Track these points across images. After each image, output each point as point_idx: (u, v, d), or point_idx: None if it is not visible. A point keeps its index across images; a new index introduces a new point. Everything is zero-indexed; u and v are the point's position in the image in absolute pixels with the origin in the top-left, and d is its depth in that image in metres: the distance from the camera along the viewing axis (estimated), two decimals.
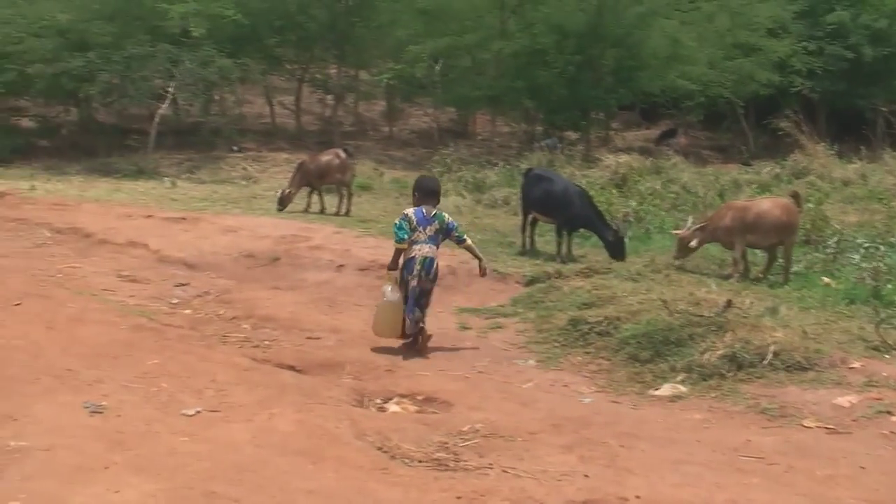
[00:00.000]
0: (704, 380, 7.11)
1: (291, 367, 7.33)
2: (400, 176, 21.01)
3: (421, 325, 8.20)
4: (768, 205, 11.10)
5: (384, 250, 11.42)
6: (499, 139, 28.10)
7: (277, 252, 11.76)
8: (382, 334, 8.26)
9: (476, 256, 8.79)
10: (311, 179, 15.65)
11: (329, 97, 29.91)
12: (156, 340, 7.42)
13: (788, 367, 7.01)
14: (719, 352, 7.29)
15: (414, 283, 8.15)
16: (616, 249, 11.55)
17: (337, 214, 15.12)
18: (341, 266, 11.14)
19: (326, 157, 15.67)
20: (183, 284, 10.51)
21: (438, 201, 8.58)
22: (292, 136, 27.61)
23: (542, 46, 25.09)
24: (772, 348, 7.15)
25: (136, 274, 10.97)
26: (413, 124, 31.67)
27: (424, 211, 8.27)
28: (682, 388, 7.08)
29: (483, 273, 8.84)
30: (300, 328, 8.74)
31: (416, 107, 31.77)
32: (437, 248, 8.36)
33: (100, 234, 12.89)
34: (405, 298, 8.17)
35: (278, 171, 21.72)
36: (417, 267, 8.15)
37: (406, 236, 8.16)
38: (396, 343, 8.26)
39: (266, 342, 8.23)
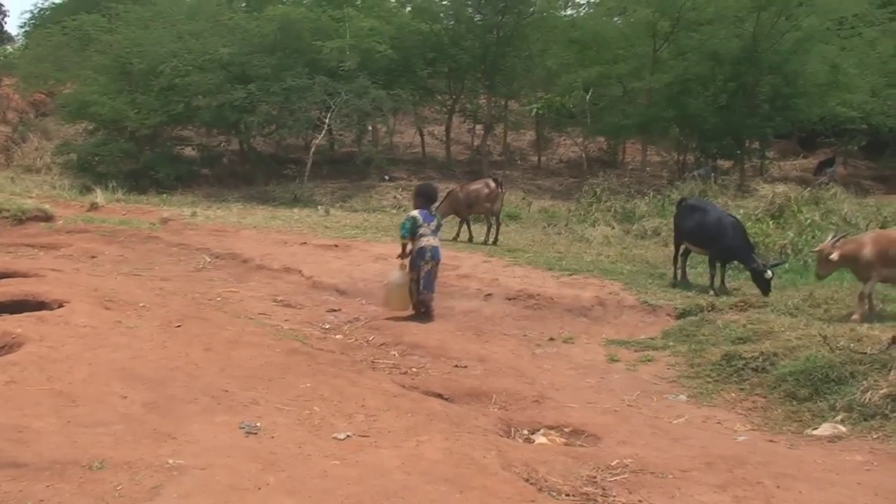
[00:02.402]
0: (866, 420, 6.76)
1: (439, 395, 7.35)
2: (548, 206, 21.00)
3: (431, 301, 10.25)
4: None
5: (532, 280, 11.45)
6: (649, 169, 27.69)
7: None
8: (394, 308, 10.30)
9: None
10: (460, 208, 15.79)
11: (478, 127, 30.17)
12: (308, 364, 7.58)
13: None
14: (882, 391, 6.91)
15: (428, 267, 10.16)
16: (760, 283, 11.14)
17: (485, 243, 15.20)
18: (489, 295, 11.18)
19: (476, 186, 15.81)
20: (335, 310, 10.76)
21: (435, 203, 10.85)
22: (441, 165, 28.00)
23: (695, 75, 24.65)
24: None
25: (290, 299, 11.29)
26: (562, 154, 31.60)
27: (427, 211, 10.34)
28: (843, 428, 6.74)
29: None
30: (447, 356, 8.77)
31: (564, 136, 31.66)
32: (437, 238, 10.43)
33: (257, 260, 13.33)
34: (420, 281, 10.13)
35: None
36: (429, 255, 10.16)
37: (408, 234, 10.18)
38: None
39: (414, 369, 8.33)
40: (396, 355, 8.90)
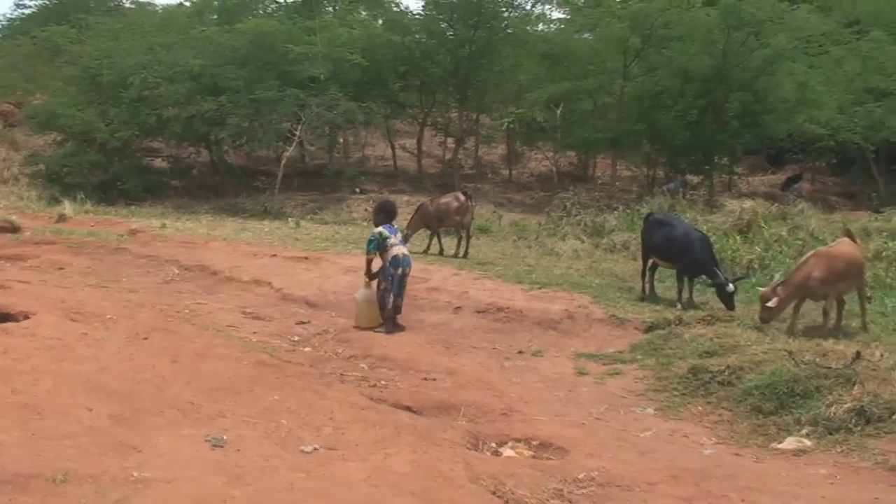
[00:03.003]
0: (830, 434, 6.84)
1: (408, 408, 7.35)
2: (519, 219, 21.09)
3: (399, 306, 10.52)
4: (847, 248, 10.40)
5: (502, 293, 11.47)
6: (619, 183, 27.86)
7: None
8: (366, 326, 10.45)
9: None
10: (431, 221, 15.81)
11: (450, 140, 30.28)
12: (276, 377, 7.55)
13: None
14: (847, 405, 7.00)
15: (400, 271, 10.43)
16: (723, 298, 11.20)
17: (455, 256, 15.22)
18: (458, 308, 11.17)
19: (446, 200, 15.85)
20: (304, 322, 10.74)
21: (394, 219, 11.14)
22: (413, 178, 28.08)
23: (664, 90, 24.89)
24: None
25: (259, 311, 11.26)
26: (533, 168, 31.77)
27: (390, 225, 10.69)
28: (807, 442, 6.81)
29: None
30: (416, 369, 8.77)
31: (535, 150, 31.81)
32: (406, 246, 10.95)
33: (226, 272, 13.28)
34: (392, 287, 10.36)
35: (399, 213, 22.02)
36: (401, 262, 10.44)
37: (374, 250, 10.51)
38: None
39: (383, 382, 8.33)
40: (365, 367, 8.89)
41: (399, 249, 10.49)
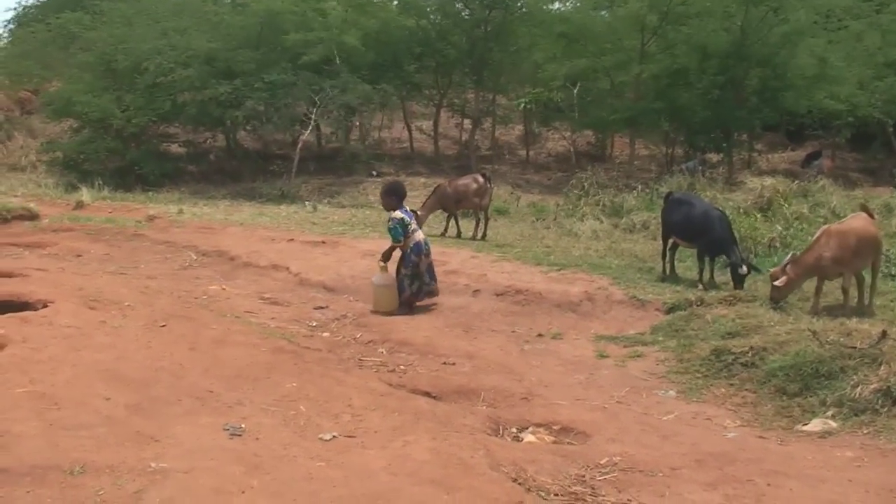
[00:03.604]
0: (856, 415, 6.72)
1: (427, 394, 7.30)
2: (536, 200, 20.96)
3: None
4: (861, 223, 10.11)
5: (521, 275, 11.39)
6: (637, 162, 27.64)
7: None
8: (383, 310, 10.33)
9: None
10: (448, 203, 15.73)
11: (466, 122, 30.13)
12: (295, 363, 7.51)
13: None
14: (872, 385, 6.87)
15: (429, 259, 10.50)
16: (734, 277, 11.10)
17: (473, 238, 15.14)
18: (477, 291, 11.10)
19: (465, 182, 15.75)
20: (322, 307, 10.70)
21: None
22: (429, 160, 27.94)
23: (683, 67, 24.64)
24: None
25: (277, 296, 11.23)
26: (550, 148, 31.55)
27: (405, 207, 10.56)
28: (833, 424, 6.70)
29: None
30: (435, 353, 8.70)
31: (552, 130, 31.60)
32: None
33: (243, 258, 13.25)
34: (424, 274, 10.42)
35: (415, 195, 21.90)
36: (425, 248, 10.46)
37: (402, 237, 10.34)
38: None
39: (402, 367, 8.27)
40: (384, 353, 8.84)
41: (419, 236, 10.50)
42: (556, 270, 11.77)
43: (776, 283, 9.72)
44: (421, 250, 10.38)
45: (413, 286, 10.44)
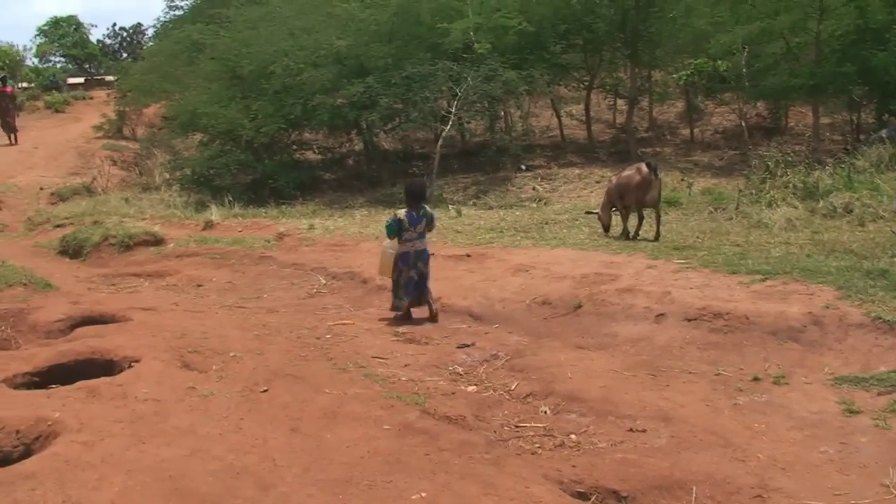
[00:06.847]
0: None
1: (614, 492, 5.11)
2: (710, 185, 18.21)
3: (434, 305, 9.87)
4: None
5: (715, 290, 9.00)
6: (823, 133, 24.33)
7: (579, 297, 9.48)
8: (388, 276, 10.03)
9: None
10: (613, 199, 13.39)
11: (620, 102, 27.62)
12: (427, 453, 5.44)
13: None
14: None
15: (412, 273, 9.75)
16: None
17: (626, 237, 12.77)
18: (661, 315, 8.62)
19: (627, 174, 13.25)
20: (467, 345, 8.58)
21: (425, 201, 10.10)
22: (583, 148, 25.50)
23: (873, 22, 21.30)
24: None
25: (413, 331, 9.28)
26: (716, 123, 28.50)
27: (415, 213, 9.78)
28: None
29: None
30: (617, 413, 6.43)
31: (718, 104, 28.57)
32: (425, 241, 10.00)
33: (377, 280, 11.32)
34: (403, 286, 9.78)
35: (570, 188, 19.71)
36: (412, 260, 9.75)
37: (394, 235, 9.79)
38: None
39: (573, 437, 6.09)
40: (548, 413, 6.65)
41: (412, 246, 9.81)
42: (759, 281, 9.07)
43: None
44: (408, 262, 9.77)
45: (398, 293, 9.93)
